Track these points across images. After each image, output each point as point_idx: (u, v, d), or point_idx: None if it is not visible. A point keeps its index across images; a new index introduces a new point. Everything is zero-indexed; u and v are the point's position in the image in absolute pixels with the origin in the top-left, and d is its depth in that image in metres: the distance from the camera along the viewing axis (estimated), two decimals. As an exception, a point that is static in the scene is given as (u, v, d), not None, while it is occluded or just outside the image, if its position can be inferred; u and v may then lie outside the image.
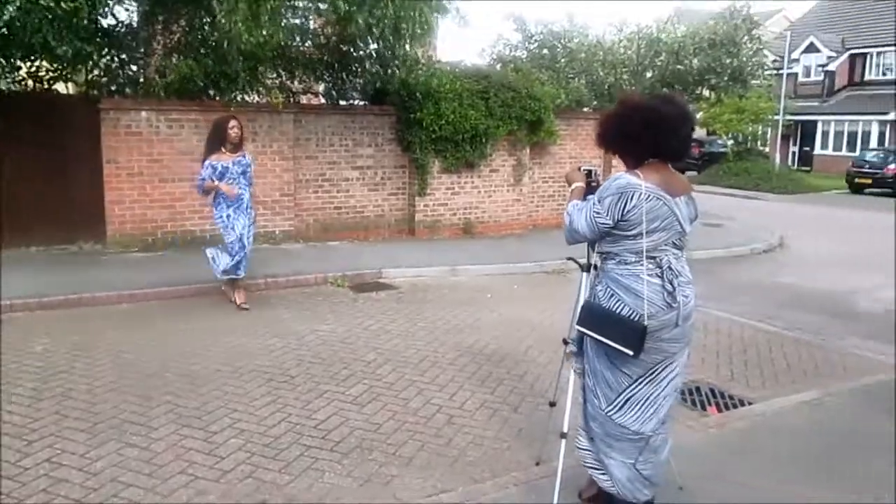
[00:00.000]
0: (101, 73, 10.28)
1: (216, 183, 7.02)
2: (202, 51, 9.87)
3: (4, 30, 7.90)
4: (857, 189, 25.07)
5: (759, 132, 31.26)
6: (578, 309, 3.33)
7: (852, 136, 32.72)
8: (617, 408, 3.17)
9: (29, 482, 3.72)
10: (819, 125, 34.20)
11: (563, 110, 14.07)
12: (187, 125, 9.97)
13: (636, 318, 2.99)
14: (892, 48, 32.57)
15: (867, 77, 34.04)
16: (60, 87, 10.66)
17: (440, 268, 9.42)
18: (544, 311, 7.55)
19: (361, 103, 12.28)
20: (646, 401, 3.14)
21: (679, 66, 21.29)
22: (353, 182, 11.44)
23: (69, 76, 10.47)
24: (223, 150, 7.08)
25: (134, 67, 10.65)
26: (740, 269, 10.61)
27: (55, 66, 9.86)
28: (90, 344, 6.03)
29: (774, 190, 23.94)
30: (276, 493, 3.72)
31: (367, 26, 9.35)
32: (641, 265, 3.03)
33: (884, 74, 33.47)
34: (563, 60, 22.16)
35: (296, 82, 11.74)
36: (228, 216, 7.17)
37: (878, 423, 4.70)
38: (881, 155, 25.88)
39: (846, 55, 34.35)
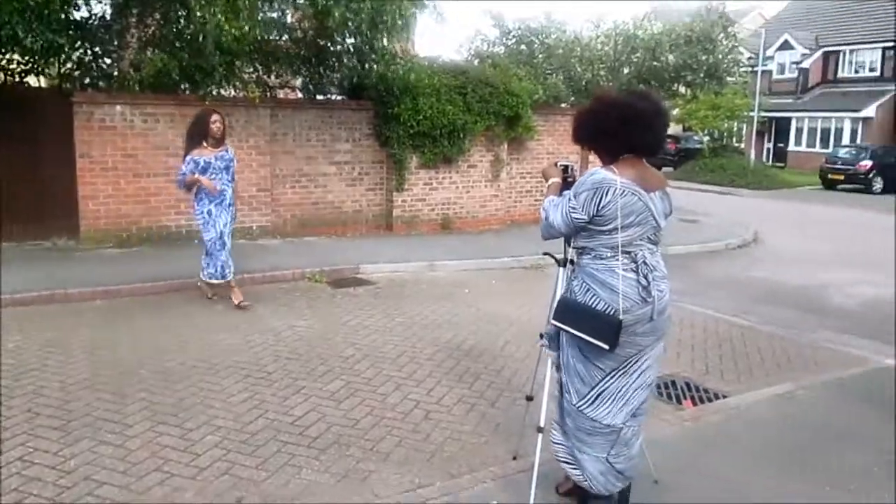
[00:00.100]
0: (74, 67, 10.13)
1: (198, 176, 6.89)
2: (177, 44, 9.75)
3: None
4: (830, 185, 25.42)
5: (735, 129, 31.64)
6: (555, 304, 3.34)
7: (825, 133, 33.16)
8: (588, 402, 3.19)
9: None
10: (793, 122, 34.62)
11: (541, 106, 14.10)
12: (162, 119, 9.87)
13: (611, 313, 3.01)
14: (865, 46, 33.03)
15: (840, 75, 34.49)
16: (32, 80, 10.50)
17: (418, 263, 9.41)
18: (522, 306, 7.58)
19: (339, 98, 12.23)
20: (617, 393, 3.16)
21: (655, 63, 21.38)
22: (331, 177, 11.40)
23: (41, 69, 10.31)
24: (205, 144, 6.94)
25: (108, 61, 10.50)
26: (715, 264, 10.72)
27: (26, 58, 9.69)
28: (63, 341, 5.95)
29: (749, 186, 24.22)
30: (252, 489, 3.70)
31: (344, 20, 9.31)
32: (617, 260, 3.04)
33: (857, 72, 33.93)
34: (540, 56, 22.18)
35: (272, 77, 11.67)
36: (210, 212, 7.04)
37: (850, 416, 4.78)
38: (853, 151, 26.27)
39: (820, 53, 34.78)
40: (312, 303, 7.56)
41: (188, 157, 6.93)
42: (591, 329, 3.04)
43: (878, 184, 24.41)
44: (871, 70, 33.16)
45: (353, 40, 11.03)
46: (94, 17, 10.00)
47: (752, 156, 28.73)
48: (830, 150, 29.27)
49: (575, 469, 3.30)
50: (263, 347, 5.95)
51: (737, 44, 23.38)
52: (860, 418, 4.73)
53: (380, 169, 11.82)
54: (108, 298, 7.40)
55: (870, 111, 31.26)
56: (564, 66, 21.61)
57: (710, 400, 5.16)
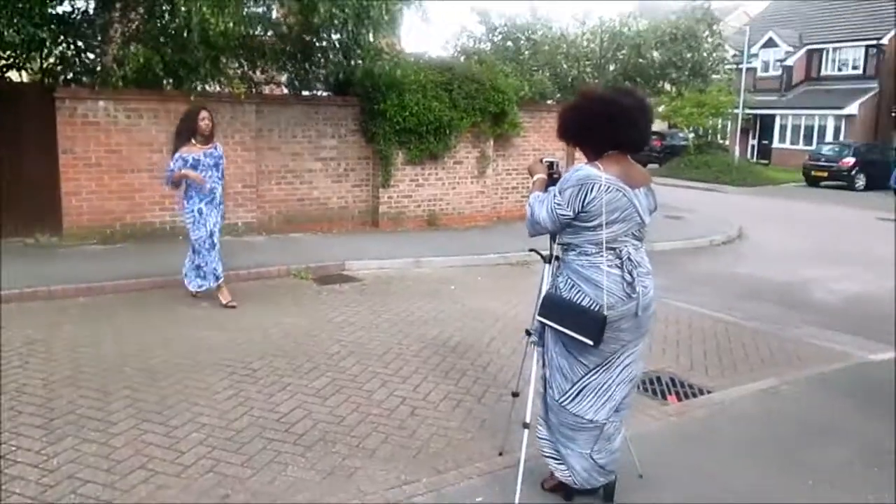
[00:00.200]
0: (57, 61, 10.01)
1: (185, 171, 6.76)
2: (161, 39, 9.68)
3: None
4: (813, 182, 25.62)
5: (720, 126, 31.81)
6: (540, 300, 3.35)
7: (809, 130, 33.40)
8: (571, 398, 3.20)
9: (-18, 480, 3.63)
10: (777, 119, 34.84)
11: (527, 102, 14.11)
12: (146, 115, 9.80)
13: (596, 309, 3.02)
14: (848, 44, 33.28)
15: (824, 72, 34.72)
16: (14, 74, 10.38)
17: (404, 260, 9.40)
18: (508, 302, 7.59)
19: (325, 94, 12.19)
20: (600, 389, 3.18)
21: (641, 60, 21.48)
22: (317, 173, 11.36)
23: (23, 64, 10.20)
24: (193, 142, 6.84)
25: (91, 55, 10.39)
26: (700, 260, 10.78)
27: (7, 53, 9.60)
28: (46, 338, 5.90)
29: (734, 182, 24.40)
30: (238, 486, 3.68)
31: (329, 16, 9.25)
32: (601, 256, 3.06)
33: (840, 70, 34.18)
34: (526, 53, 22.23)
35: (258, 72, 11.59)
36: (200, 211, 6.92)
37: (833, 411, 4.82)
38: (836, 149, 26.51)
39: (804, 50, 35.01)
40: (298, 300, 7.54)
41: (177, 155, 6.82)
42: (575, 325, 3.06)
43: (860, 181, 24.64)
44: (854, 68, 33.42)
45: (338, 36, 10.98)
46: (76, 12, 9.91)
47: (737, 153, 28.89)
48: (814, 147, 29.51)
49: (560, 465, 3.32)
50: (249, 344, 5.92)
51: (721, 41, 23.53)
52: (842, 413, 4.77)
53: (366, 165, 11.79)
54: (92, 295, 7.34)
55: (853, 109, 31.52)
56: (550, 63, 21.66)
57: (694, 395, 5.19)
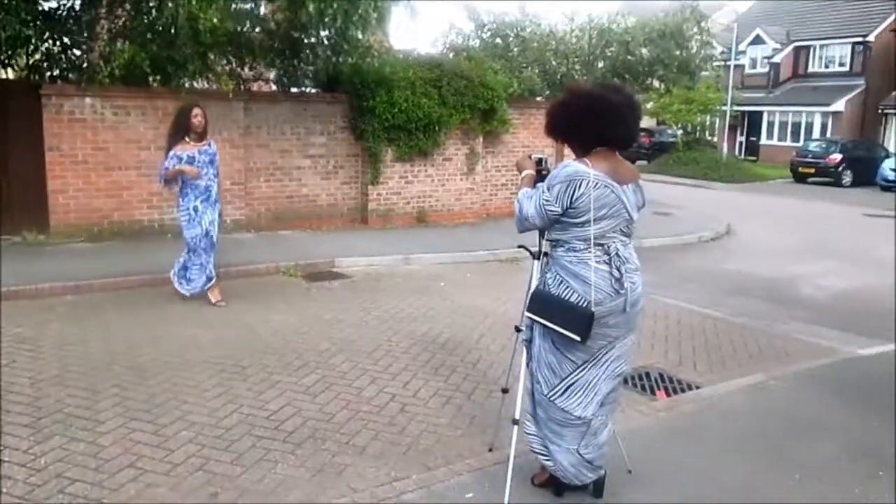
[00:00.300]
0: (43, 58, 9.95)
1: (179, 166, 6.69)
2: (149, 35, 9.61)
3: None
4: (800, 178, 25.75)
5: (708, 122, 31.94)
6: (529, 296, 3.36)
7: (796, 127, 33.56)
8: (559, 393, 3.22)
9: (-31, 479, 3.61)
10: (765, 116, 35.00)
11: (516, 99, 14.12)
12: (133, 112, 9.75)
13: (584, 305, 3.03)
14: (835, 41, 33.46)
15: (811, 69, 34.89)
16: (-1, 71, 10.32)
17: (393, 257, 9.40)
18: (497, 298, 7.60)
19: (313, 91, 12.14)
20: (588, 385, 3.20)
21: (629, 57, 21.49)
22: (306, 170, 11.33)
23: (8, 60, 10.11)
24: (187, 139, 6.77)
25: (77, 52, 10.31)
26: (688, 256, 10.82)
27: (-8, 50, 9.54)
28: (33, 336, 5.86)
29: (722, 179, 24.50)
30: (227, 484, 3.67)
31: (318, 12, 9.22)
32: (590, 252, 3.07)
33: (826, 67, 34.36)
34: (515, 50, 22.20)
35: (246, 69, 11.53)
36: (196, 209, 6.86)
37: (820, 406, 4.85)
38: (823, 145, 26.63)
39: (791, 47, 35.16)
40: (287, 297, 7.52)
41: (171, 153, 6.74)
42: (563, 321, 3.07)
43: (847, 177, 24.78)
44: (841, 65, 33.60)
45: (327, 32, 10.93)
46: (63, 8, 9.83)
47: (725, 149, 28.99)
48: (801, 143, 29.64)
49: (548, 460, 3.34)
50: (238, 342, 5.91)
51: (709, 38, 23.57)
52: (829, 409, 4.81)
53: (355, 162, 11.77)
54: (80, 293, 7.30)
55: (839, 105, 31.69)
56: (539, 60, 21.65)
57: (683, 391, 5.21)
